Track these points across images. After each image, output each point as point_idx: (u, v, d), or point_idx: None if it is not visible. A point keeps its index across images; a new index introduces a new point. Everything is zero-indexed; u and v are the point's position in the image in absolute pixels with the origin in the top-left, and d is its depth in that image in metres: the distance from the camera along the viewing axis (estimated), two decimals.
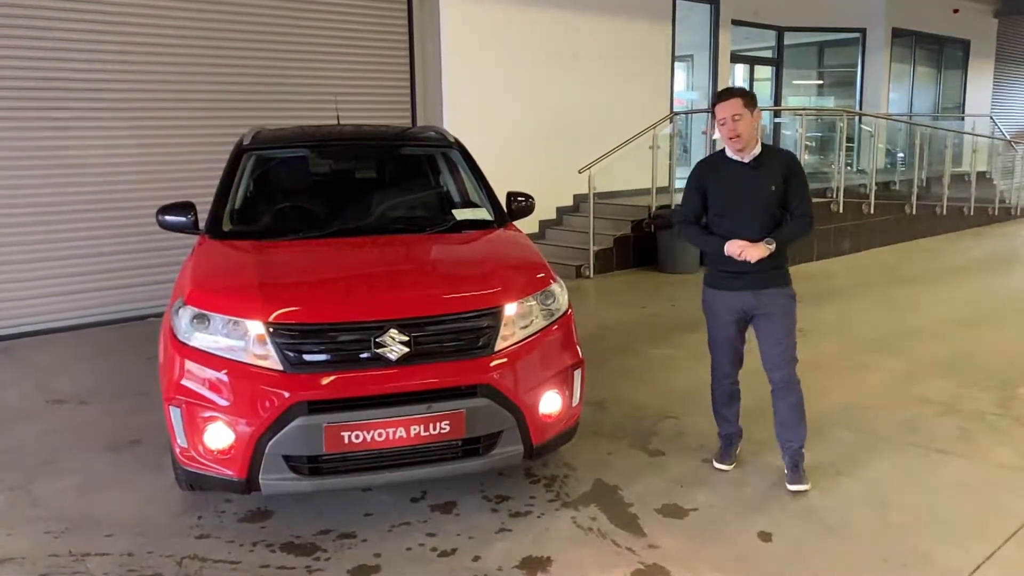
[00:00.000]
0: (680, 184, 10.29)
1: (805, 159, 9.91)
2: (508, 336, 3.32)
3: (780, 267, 3.63)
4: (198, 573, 3.04)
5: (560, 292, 3.62)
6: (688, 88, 13.24)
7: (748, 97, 3.50)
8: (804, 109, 10.94)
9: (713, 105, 3.55)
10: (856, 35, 15.22)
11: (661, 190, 9.63)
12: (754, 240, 3.50)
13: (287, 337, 3.11)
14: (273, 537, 3.30)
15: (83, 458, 4.14)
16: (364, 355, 3.13)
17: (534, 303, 3.46)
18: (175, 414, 3.17)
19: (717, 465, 3.91)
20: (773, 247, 3.50)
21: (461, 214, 4.41)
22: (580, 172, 8.73)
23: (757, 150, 3.56)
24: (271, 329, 3.12)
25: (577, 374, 3.52)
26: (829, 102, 16.55)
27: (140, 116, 7.04)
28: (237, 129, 7.08)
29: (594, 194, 8.87)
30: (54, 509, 3.59)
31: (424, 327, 3.19)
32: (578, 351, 3.56)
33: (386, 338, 3.13)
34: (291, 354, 3.10)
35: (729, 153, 3.58)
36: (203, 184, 6.83)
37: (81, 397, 5.10)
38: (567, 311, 3.60)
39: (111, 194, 6.94)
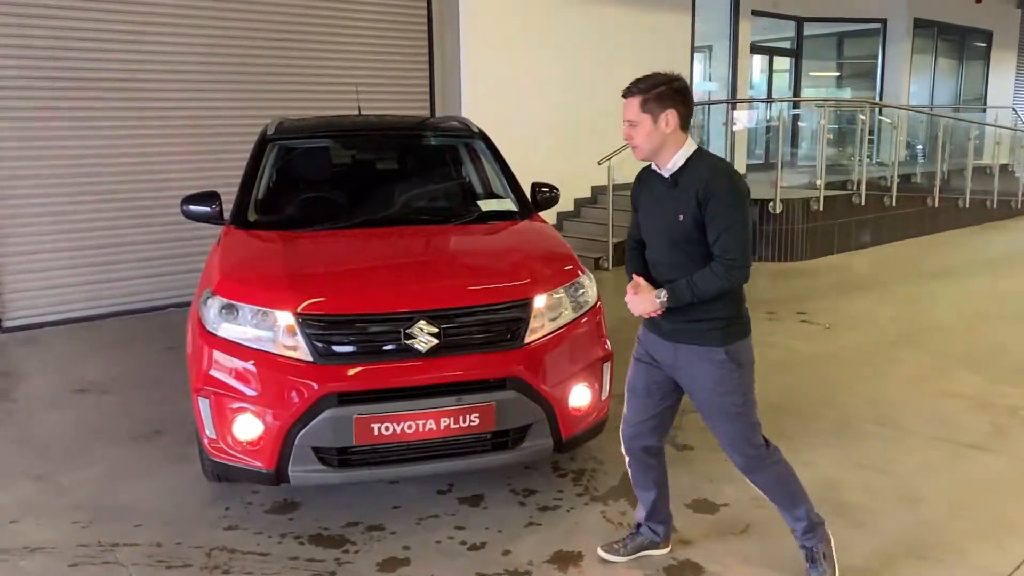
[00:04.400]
0: None
1: (828, 153, 9.79)
2: (537, 328, 3.28)
3: (702, 321, 2.62)
4: (227, 564, 3.03)
5: (589, 284, 3.58)
6: (705, 79, 13.13)
7: (654, 96, 2.56)
8: (827, 100, 10.81)
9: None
10: (877, 25, 15.05)
11: None
12: (668, 280, 2.64)
13: (317, 328, 3.09)
14: (301, 529, 3.29)
15: (108, 448, 4.14)
16: (393, 347, 3.11)
17: (563, 295, 3.43)
18: (204, 405, 3.15)
19: (602, 554, 3.01)
20: (663, 301, 2.60)
21: (486, 205, 4.37)
22: (600, 163, 8.67)
23: (677, 162, 2.62)
24: (301, 320, 3.09)
25: (606, 367, 3.49)
26: (847, 94, 16.37)
27: (162, 107, 7.04)
28: (258, 120, 7.07)
29: (613, 185, 8.81)
30: (82, 499, 3.59)
31: (453, 319, 3.16)
32: (607, 344, 3.52)
33: (415, 330, 3.10)
34: (320, 345, 3.08)
35: (654, 164, 2.74)
36: (225, 175, 6.85)
37: (103, 387, 5.11)
38: (596, 303, 3.56)
39: (133, 185, 6.94)
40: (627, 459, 2.98)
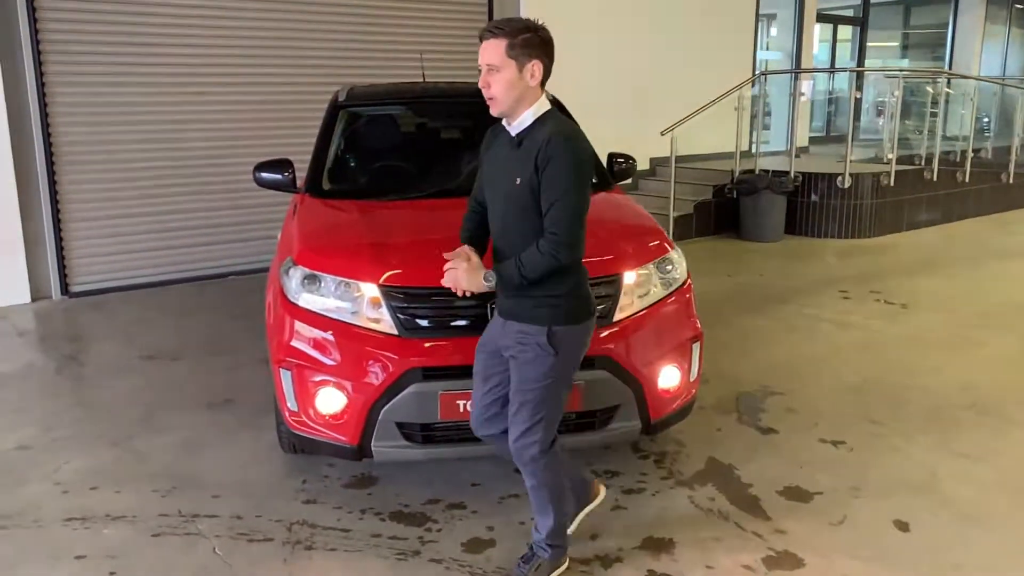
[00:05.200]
0: (765, 148, 9.97)
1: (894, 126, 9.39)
2: (626, 306, 3.15)
3: (530, 298, 2.43)
4: (309, 540, 2.98)
5: (679, 260, 3.42)
6: (764, 48, 12.68)
7: (521, 41, 2.32)
8: (902, 70, 10.36)
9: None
10: None
11: (744, 154, 9.27)
12: (500, 250, 2.47)
13: (402, 300, 2.99)
14: (381, 505, 3.22)
15: (181, 415, 4.13)
16: (480, 322, 2.99)
17: (652, 271, 3.28)
18: (285, 377, 3.09)
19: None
20: (490, 285, 2.43)
21: None
22: (663, 134, 8.40)
23: (525, 121, 2.40)
24: (386, 292, 3.00)
25: (696, 347, 3.34)
26: (909, 64, 15.75)
27: (228, 74, 6.98)
28: (322, 88, 7.00)
29: (676, 157, 8.56)
30: (159, 466, 3.58)
31: None
32: (697, 323, 3.37)
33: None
34: (405, 318, 2.98)
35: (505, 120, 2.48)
36: (289, 142, 6.79)
37: (172, 354, 5.11)
38: (686, 281, 3.41)
39: (197, 151, 6.92)
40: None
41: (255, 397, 4.29)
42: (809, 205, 9.02)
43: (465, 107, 4.67)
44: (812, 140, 12.35)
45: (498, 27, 2.34)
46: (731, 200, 9.05)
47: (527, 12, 8.57)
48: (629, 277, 3.17)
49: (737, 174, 9.09)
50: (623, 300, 3.13)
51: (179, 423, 4.04)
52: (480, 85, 2.38)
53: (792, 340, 5.33)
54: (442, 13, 8.21)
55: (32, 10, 6.01)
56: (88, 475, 3.50)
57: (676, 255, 3.43)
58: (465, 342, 2.97)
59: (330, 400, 3.02)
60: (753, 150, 9.78)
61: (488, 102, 2.40)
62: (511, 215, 2.43)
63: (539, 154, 2.33)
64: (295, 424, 3.11)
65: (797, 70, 11.27)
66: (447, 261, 2.58)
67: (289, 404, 3.11)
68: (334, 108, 4.39)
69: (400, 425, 2.99)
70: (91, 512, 3.18)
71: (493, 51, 2.33)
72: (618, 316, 3.10)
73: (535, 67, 2.36)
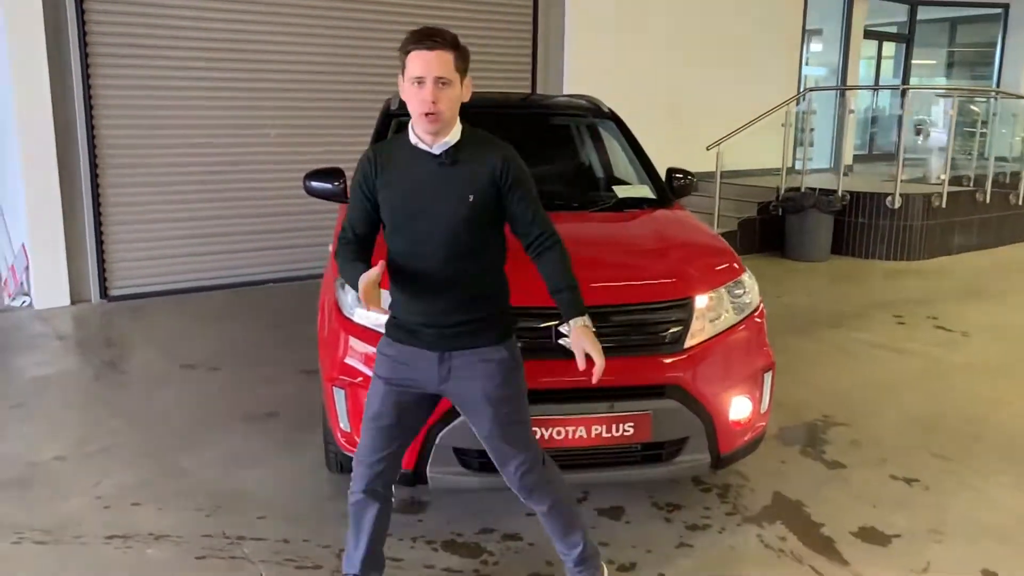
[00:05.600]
0: (812, 165, 9.74)
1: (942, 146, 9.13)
2: (698, 332, 2.98)
3: (474, 321, 2.34)
4: None
5: (751, 283, 3.25)
6: (806, 63, 12.43)
7: (462, 55, 2.22)
8: (955, 88, 10.10)
9: (407, 49, 2.19)
10: (998, 11, 14.06)
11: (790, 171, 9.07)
12: (443, 276, 2.29)
13: None
14: (432, 533, 3.07)
15: (222, 429, 4.02)
16: (544, 345, 2.84)
17: (724, 295, 3.11)
18: (338, 395, 2.96)
19: None
20: (590, 326, 2.37)
21: (622, 191, 4.07)
22: (708, 149, 8.24)
23: (454, 137, 2.27)
24: None
25: (768, 377, 3.16)
26: (954, 83, 15.40)
27: (273, 80, 6.91)
28: (368, 96, 6.93)
29: (721, 172, 8.37)
30: (201, 483, 3.46)
31: (609, 317, 2.88)
32: (770, 351, 3.20)
33: (566, 327, 2.82)
34: None
35: (412, 138, 2.28)
36: (336, 151, 6.70)
37: (211, 363, 5.01)
38: (759, 306, 3.23)
39: (238, 158, 6.85)
40: (358, 505, 2.48)
41: (297, 411, 4.17)
42: (856, 225, 8.78)
43: (518, 118, 4.54)
44: (855, 158, 12.09)
45: (441, 37, 2.18)
46: (776, 218, 8.84)
47: (572, 28, 8.47)
48: (701, 301, 3.00)
49: (783, 191, 8.88)
50: (695, 325, 2.96)
51: (220, 437, 3.92)
52: (423, 107, 2.17)
53: (849, 367, 5.12)
54: (485, 23, 8.10)
55: (81, 12, 5.98)
56: (129, 490, 3.39)
57: (748, 278, 3.26)
58: (528, 366, 2.80)
59: None
60: (798, 167, 9.57)
61: (427, 119, 2.18)
62: (464, 234, 2.27)
63: (499, 170, 2.27)
64: (347, 445, 2.97)
65: (847, 87, 11.03)
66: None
67: (342, 424, 2.97)
68: (386, 116, 4.27)
69: (457, 451, 2.85)
70: (134, 530, 3.07)
71: (444, 63, 2.17)
72: (689, 342, 2.94)
73: (468, 83, 2.27)
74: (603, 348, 2.83)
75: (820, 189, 8.76)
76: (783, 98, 9.11)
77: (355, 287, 2.19)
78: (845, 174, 9.14)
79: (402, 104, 4.31)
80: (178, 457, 3.70)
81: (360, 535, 2.52)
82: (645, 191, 4.04)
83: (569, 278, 2.36)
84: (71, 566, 2.84)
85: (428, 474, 2.86)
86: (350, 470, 3.20)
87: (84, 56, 6.04)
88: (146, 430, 3.99)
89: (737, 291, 3.17)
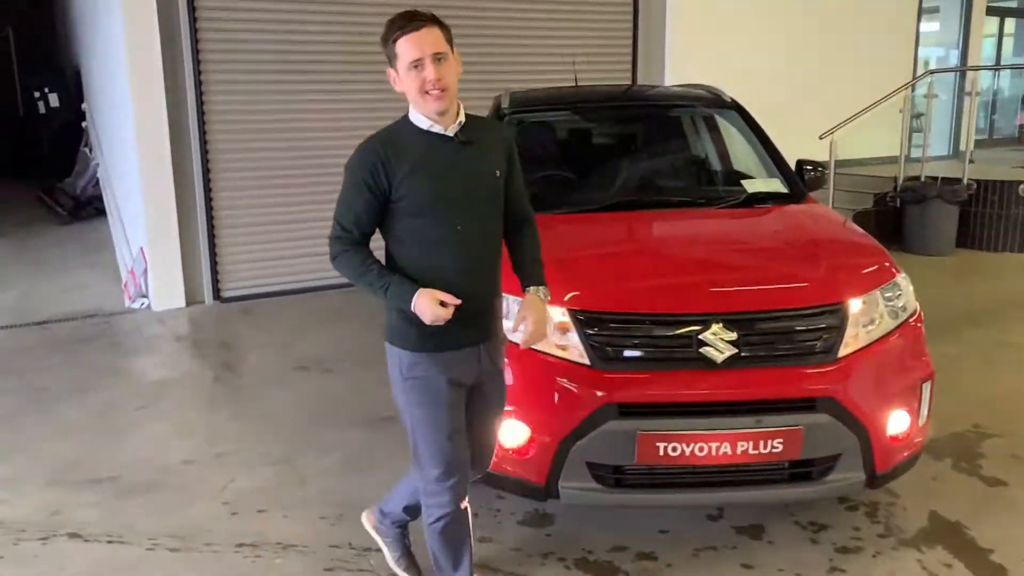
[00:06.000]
0: (932, 152, 9.16)
1: None
2: (852, 339, 2.74)
3: (490, 308, 2.35)
4: None
5: (906, 286, 2.99)
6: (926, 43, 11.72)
7: (447, 28, 2.19)
8: None
9: (393, 38, 2.16)
10: None
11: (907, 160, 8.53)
12: (480, 258, 2.27)
13: (596, 327, 2.70)
14: (562, 550, 2.94)
15: (340, 433, 3.99)
16: (683, 354, 2.67)
17: (879, 299, 2.86)
18: None
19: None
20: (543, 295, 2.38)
21: (751, 185, 3.84)
22: (821, 138, 7.83)
23: (462, 116, 2.25)
24: (577, 316, 2.72)
25: (926, 387, 2.89)
26: None
27: (380, 82, 6.89)
28: (468, 94, 6.83)
29: (835, 162, 7.94)
30: (323, 489, 3.43)
31: (756, 324, 2.68)
32: (929, 360, 2.93)
33: (710, 335, 2.65)
34: (600, 347, 2.69)
35: (420, 121, 2.22)
36: None
37: (323, 365, 5.03)
38: (916, 310, 2.96)
39: (346, 159, 6.88)
40: (457, 519, 2.38)
41: None
42: (984, 215, 8.17)
43: (638, 110, 4.36)
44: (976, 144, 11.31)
45: (423, 16, 2.15)
46: (894, 209, 8.32)
47: (673, 16, 8.18)
48: (855, 305, 2.76)
49: (901, 181, 8.35)
50: (849, 332, 2.72)
51: (338, 441, 3.90)
52: (429, 85, 2.13)
53: (996, 372, 4.72)
54: (586, 14, 7.90)
55: (193, 20, 6.11)
56: (254, 495, 3.39)
57: (903, 280, 3.00)
58: (667, 376, 2.67)
59: (514, 433, 2.76)
60: (916, 155, 9.00)
61: (435, 96, 2.14)
62: (492, 216, 2.30)
63: (508, 146, 2.35)
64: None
65: (972, 67, 10.33)
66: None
67: None
68: (498, 116, 4.16)
69: (591, 465, 2.70)
70: (261, 538, 3.05)
71: (436, 39, 2.13)
72: (843, 351, 2.71)
73: (458, 58, 2.23)
74: (748, 358, 2.67)
75: (942, 178, 8.20)
76: (895, 82, 8.56)
77: (403, 304, 2.18)
78: (971, 161, 8.52)
79: (513, 102, 4.24)
80: (299, 462, 3.69)
81: (464, 550, 2.44)
82: (776, 185, 3.80)
83: (539, 250, 2.44)
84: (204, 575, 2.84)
85: (560, 489, 2.73)
86: (487, 486, 3.12)
87: (196, 61, 6.17)
88: (266, 434, 4.01)
89: (891, 294, 2.91)
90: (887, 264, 3.00)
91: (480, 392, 2.38)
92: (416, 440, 2.34)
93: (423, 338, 2.25)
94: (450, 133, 2.22)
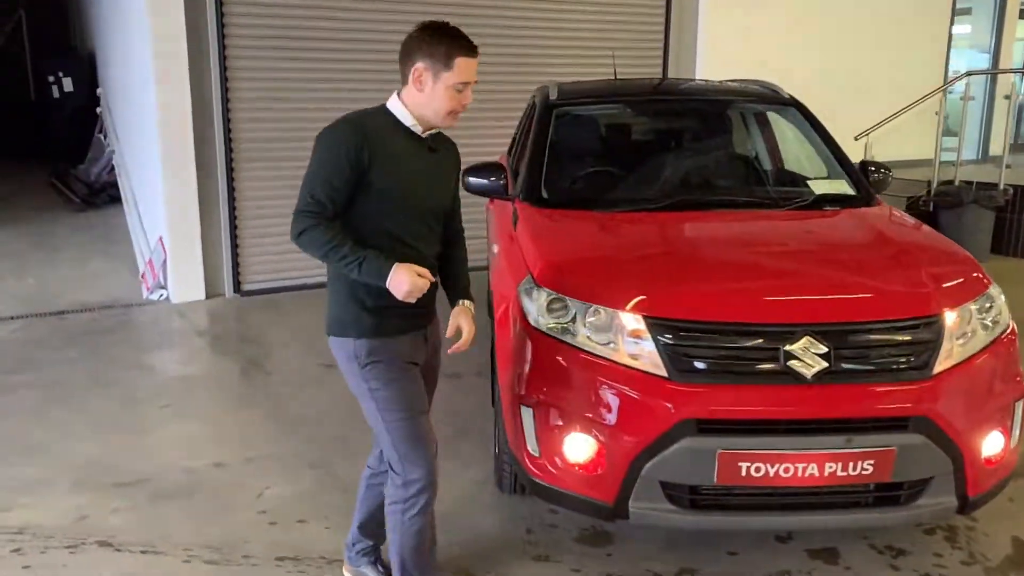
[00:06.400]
0: (968, 155, 8.96)
1: None
2: (947, 354, 2.55)
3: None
4: None
5: (999, 298, 2.80)
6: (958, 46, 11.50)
7: None
8: None
9: (454, 53, 2.25)
10: None
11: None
12: (427, 255, 2.34)
13: (673, 336, 2.51)
14: (625, 570, 2.77)
15: (374, 435, 3.80)
16: (769, 367, 2.48)
17: (973, 312, 2.67)
18: (527, 415, 2.68)
19: None
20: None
21: (818, 186, 3.65)
22: (856, 139, 7.64)
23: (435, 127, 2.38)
24: (653, 324, 2.53)
25: (1019, 407, 2.71)
26: None
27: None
28: (503, 87, 6.64)
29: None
30: None
31: (848, 336, 2.50)
32: (1023, 378, 2.74)
33: (798, 348, 2.46)
34: (677, 358, 2.50)
35: (404, 117, 2.31)
36: (478, 143, 6.43)
37: None
38: (1010, 324, 2.77)
39: None
40: (429, 498, 2.40)
41: (447, 420, 3.92)
42: (1018, 222, 7.98)
43: (692, 106, 4.17)
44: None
45: (470, 40, 2.31)
46: (927, 214, 8.12)
47: (705, 11, 7.98)
48: (950, 317, 2.57)
49: (935, 184, 8.16)
50: (944, 347, 2.54)
51: (372, 445, 3.71)
52: (459, 107, 2.28)
53: None
54: (617, 6, 7.70)
55: (221, 14, 5.91)
56: (292, 503, 3.21)
57: (996, 292, 2.81)
58: (751, 391, 2.49)
59: (581, 448, 2.58)
60: (944, 158, 8.81)
61: (453, 117, 2.30)
62: (439, 219, 2.42)
63: (458, 161, 2.50)
64: (536, 471, 2.69)
65: (1010, 70, 10.14)
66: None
67: (530, 447, 2.69)
68: (547, 107, 3.96)
69: (664, 485, 2.52)
70: (303, 551, 2.88)
71: (474, 68, 2.29)
72: (939, 367, 2.52)
73: None
74: (838, 372, 2.50)
75: (977, 182, 8.00)
76: (926, 84, 8.37)
77: (377, 278, 2.17)
78: (1008, 166, 8.32)
79: (561, 94, 4.05)
80: (336, 468, 3.52)
81: (431, 551, 2.50)
82: (843, 186, 3.61)
83: (467, 264, 2.56)
84: None
85: (631, 509, 2.55)
86: (530, 492, 2.96)
87: (222, 47, 5.97)
88: (300, 436, 3.83)
89: (985, 306, 2.73)
90: (979, 275, 2.82)
91: (423, 371, 2.45)
92: (385, 425, 2.34)
93: (378, 324, 2.29)
94: (424, 136, 2.34)
